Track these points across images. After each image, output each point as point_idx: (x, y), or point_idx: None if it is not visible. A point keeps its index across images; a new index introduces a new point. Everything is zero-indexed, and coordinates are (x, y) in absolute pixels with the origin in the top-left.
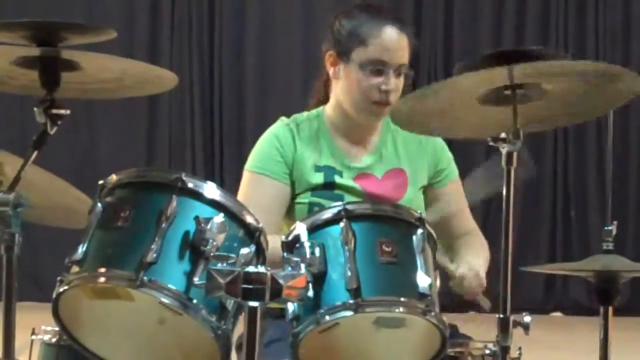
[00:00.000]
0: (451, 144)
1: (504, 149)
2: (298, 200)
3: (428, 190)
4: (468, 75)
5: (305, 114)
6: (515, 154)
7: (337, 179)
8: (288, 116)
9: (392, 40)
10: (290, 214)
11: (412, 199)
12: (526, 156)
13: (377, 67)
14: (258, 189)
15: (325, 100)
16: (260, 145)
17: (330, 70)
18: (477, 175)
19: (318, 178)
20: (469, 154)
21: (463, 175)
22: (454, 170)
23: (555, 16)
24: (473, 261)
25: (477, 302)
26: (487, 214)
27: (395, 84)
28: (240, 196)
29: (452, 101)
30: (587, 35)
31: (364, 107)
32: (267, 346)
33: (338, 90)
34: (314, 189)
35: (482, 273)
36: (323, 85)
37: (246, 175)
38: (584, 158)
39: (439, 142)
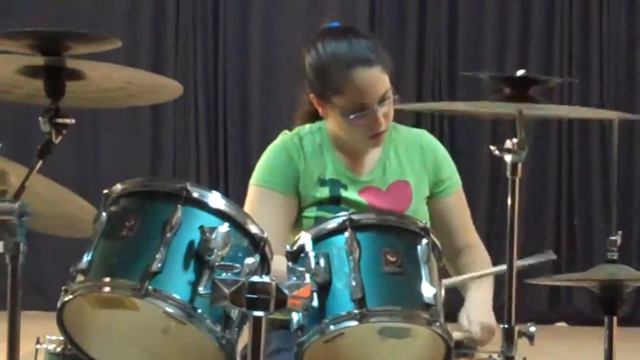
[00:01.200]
0: (455, 154)
1: (509, 159)
2: (305, 214)
3: (431, 202)
4: (474, 104)
5: (307, 127)
6: (520, 165)
7: (343, 193)
8: (290, 129)
9: (365, 80)
10: (297, 227)
11: (416, 211)
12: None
13: (360, 112)
14: (266, 204)
15: (312, 112)
16: (265, 159)
17: (319, 109)
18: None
19: (324, 192)
20: (473, 163)
21: (467, 185)
22: (457, 181)
23: (560, 25)
24: (481, 308)
25: None
26: (490, 224)
27: (383, 113)
28: (248, 212)
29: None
30: (591, 45)
31: (361, 143)
32: (271, 356)
33: (332, 125)
34: (320, 203)
35: (491, 316)
36: (310, 100)
37: (252, 190)
38: (588, 167)
39: (441, 151)
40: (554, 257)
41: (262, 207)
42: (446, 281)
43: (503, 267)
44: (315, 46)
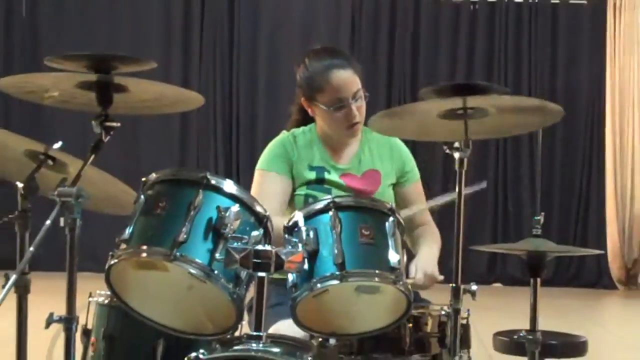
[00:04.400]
0: (415, 151)
1: (457, 155)
2: (296, 192)
3: (396, 189)
4: (431, 102)
5: (301, 128)
6: (465, 160)
7: (327, 176)
8: (288, 130)
9: (341, 79)
10: (290, 203)
11: (383, 193)
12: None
13: (338, 104)
14: (268, 183)
15: (301, 121)
16: (267, 150)
17: (309, 110)
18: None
19: (311, 175)
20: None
21: (425, 177)
22: (416, 173)
23: (498, 53)
24: (427, 261)
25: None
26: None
27: (357, 108)
28: (254, 190)
29: (417, 116)
30: (522, 69)
31: (341, 133)
32: (271, 307)
33: (319, 122)
34: (309, 183)
35: (435, 267)
36: (298, 110)
37: (258, 173)
38: (519, 165)
39: (405, 150)
40: (484, 185)
41: (265, 185)
42: (404, 212)
43: (452, 194)
44: (304, 62)
